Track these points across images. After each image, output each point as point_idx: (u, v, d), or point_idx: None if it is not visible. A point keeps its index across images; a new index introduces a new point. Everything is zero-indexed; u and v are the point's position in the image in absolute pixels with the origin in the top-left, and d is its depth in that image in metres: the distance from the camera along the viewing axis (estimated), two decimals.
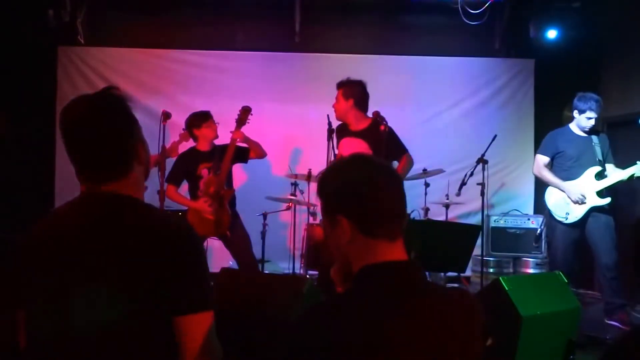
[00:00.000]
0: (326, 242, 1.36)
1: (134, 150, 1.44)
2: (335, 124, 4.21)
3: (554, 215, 4.60)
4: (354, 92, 4.08)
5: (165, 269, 1.31)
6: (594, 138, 4.57)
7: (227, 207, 4.40)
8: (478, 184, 4.93)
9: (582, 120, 4.51)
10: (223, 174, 4.39)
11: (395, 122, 4.13)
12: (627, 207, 4.78)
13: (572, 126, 4.62)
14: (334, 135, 4.18)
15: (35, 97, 6.05)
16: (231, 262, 4.69)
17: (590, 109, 4.44)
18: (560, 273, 3.12)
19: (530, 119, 6.62)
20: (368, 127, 4.06)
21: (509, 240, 5.99)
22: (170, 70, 6.44)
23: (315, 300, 2.11)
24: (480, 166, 4.98)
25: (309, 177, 5.47)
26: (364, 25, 6.59)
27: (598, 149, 4.53)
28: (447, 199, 5.78)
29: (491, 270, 5.93)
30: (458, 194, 5.12)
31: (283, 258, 5.89)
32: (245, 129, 4.49)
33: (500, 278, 2.79)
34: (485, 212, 5.33)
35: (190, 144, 4.63)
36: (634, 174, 4.35)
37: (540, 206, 5.85)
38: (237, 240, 4.49)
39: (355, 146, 4.00)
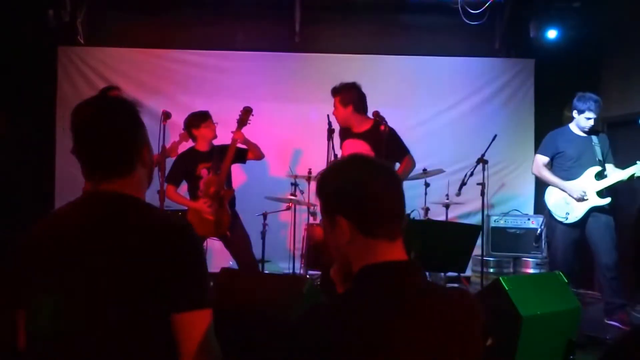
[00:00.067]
0: (326, 242, 1.36)
1: (139, 152, 1.48)
2: (336, 124, 4.20)
3: (554, 215, 4.60)
4: (351, 97, 4.05)
5: (165, 269, 1.31)
6: (594, 138, 4.57)
7: (227, 207, 4.40)
8: (478, 184, 4.93)
9: (581, 121, 4.51)
10: (223, 174, 4.39)
11: (395, 122, 4.12)
12: (627, 207, 4.77)
13: (572, 126, 4.62)
14: (336, 137, 4.18)
15: (35, 97, 6.05)
16: (231, 262, 4.69)
17: (590, 109, 4.44)
18: (560, 273, 3.13)
19: (530, 119, 6.62)
20: (370, 129, 4.04)
21: (509, 240, 5.99)
22: (170, 70, 6.44)
23: (315, 300, 2.12)
24: (480, 166, 4.97)
25: (309, 177, 5.47)
26: (364, 25, 6.59)
27: (598, 149, 4.53)
28: (447, 199, 5.79)
29: (491, 270, 5.94)
30: (458, 194, 5.12)
31: (283, 258, 5.89)
32: (245, 129, 4.48)
33: (501, 278, 2.80)
34: (485, 212, 5.33)
35: (190, 144, 4.63)
36: (634, 174, 4.35)
37: (540, 206, 5.85)
38: (237, 241, 4.48)
39: (357, 148, 3.99)
